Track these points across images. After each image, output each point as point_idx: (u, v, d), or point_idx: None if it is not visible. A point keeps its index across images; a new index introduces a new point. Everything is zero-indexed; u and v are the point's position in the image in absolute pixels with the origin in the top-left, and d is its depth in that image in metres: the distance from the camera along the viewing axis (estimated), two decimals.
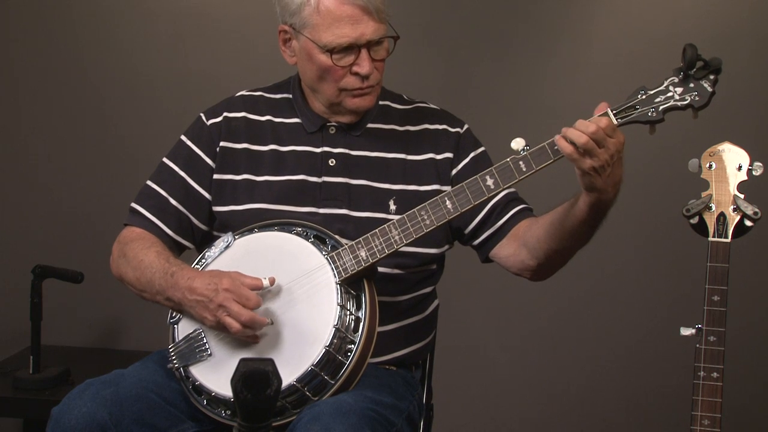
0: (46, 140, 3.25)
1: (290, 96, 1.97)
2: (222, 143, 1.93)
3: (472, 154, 1.95)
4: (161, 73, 3.21)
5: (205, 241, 1.93)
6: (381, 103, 1.97)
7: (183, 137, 1.97)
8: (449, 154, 1.94)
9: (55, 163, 3.25)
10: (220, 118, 1.95)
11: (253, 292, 1.69)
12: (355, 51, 1.79)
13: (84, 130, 3.23)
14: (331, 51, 1.78)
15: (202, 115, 1.97)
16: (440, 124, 1.97)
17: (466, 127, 1.99)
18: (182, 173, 1.93)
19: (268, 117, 1.95)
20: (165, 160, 1.96)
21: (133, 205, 1.94)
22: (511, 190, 1.93)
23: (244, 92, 2.00)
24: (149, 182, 1.95)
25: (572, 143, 1.58)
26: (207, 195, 1.92)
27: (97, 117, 3.23)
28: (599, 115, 1.62)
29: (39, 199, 3.26)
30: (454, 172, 1.93)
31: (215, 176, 1.92)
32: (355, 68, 1.80)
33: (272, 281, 1.71)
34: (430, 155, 1.93)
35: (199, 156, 1.93)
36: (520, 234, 1.88)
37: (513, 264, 1.90)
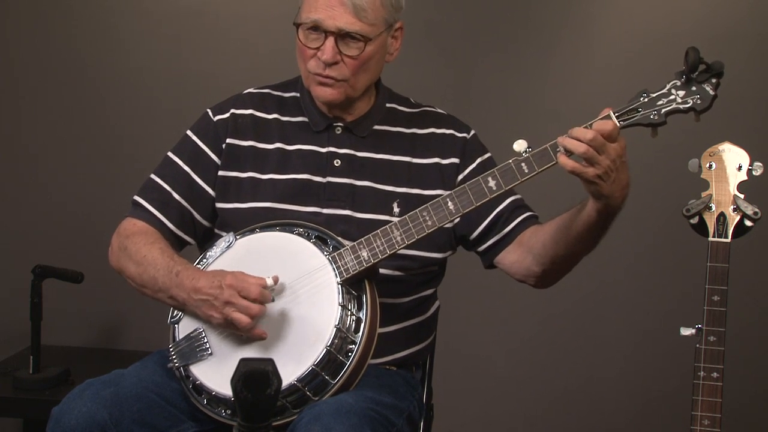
0: (46, 140, 3.24)
1: (298, 94, 1.96)
2: (228, 140, 1.92)
3: (479, 160, 1.94)
4: (161, 73, 3.20)
5: (206, 238, 1.94)
6: (388, 105, 1.97)
7: (189, 132, 1.96)
8: (455, 160, 1.93)
9: (55, 163, 3.24)
10: (227, 115, 1.95)
11: (255, 284, 1.67)
12: (323, 36, 1.80)
13: (84, 130, 3.23)
14: (298, 26, 1.81)
15: (209, 110, 1.97)
16: (447, 128, 1.97)
17: (472, 132, 1.99)
18: (186, 168, 1.92)
19: (275, 115, 1.95)
20: (170, 154, 1.95)
21: (136, 197, 1.93)
22: (517, 196, 1.93)
23: (252, 89, 2.00)
24: (153, 176, 1.95)
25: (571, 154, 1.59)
26: (211, 191, 1.92)
27: (97, 117, 3.22)
28: (601, 119, 1.62)
29: (39, 199, 3.26)
30: (460, 177, 1.92)
31: (220, 173, 1.91)
32: (318, 53, 1.82)
33: (276, 280, 1.70)
34: (436, 160, 1.93)
35: (205, 152, 1.93)
36: (525, 240, 1.88)
37: (518, 270, 1.90)
